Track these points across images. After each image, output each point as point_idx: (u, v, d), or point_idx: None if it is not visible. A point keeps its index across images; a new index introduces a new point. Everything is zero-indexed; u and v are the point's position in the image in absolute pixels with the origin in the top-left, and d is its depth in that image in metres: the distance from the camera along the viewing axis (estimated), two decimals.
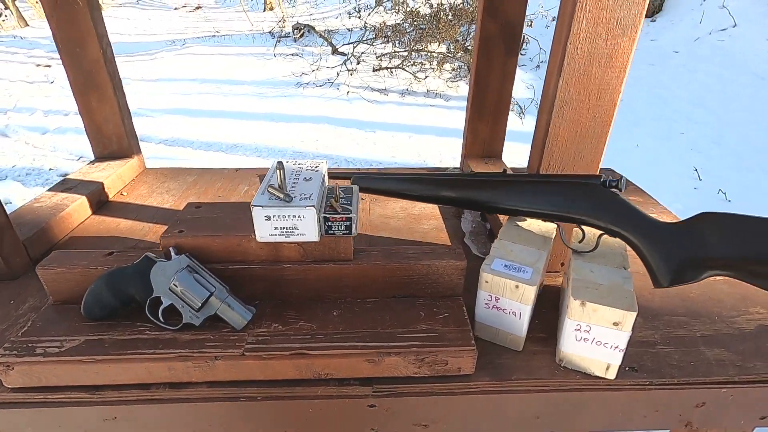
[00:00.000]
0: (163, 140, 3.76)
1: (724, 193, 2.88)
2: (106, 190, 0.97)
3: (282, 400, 0.55)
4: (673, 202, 2.85)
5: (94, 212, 0.93)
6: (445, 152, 3.58)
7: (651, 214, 0.56)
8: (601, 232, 0.58)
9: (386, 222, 0.91)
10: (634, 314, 0.50)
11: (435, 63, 4.87)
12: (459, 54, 4.87)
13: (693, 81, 4.14)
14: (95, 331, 0.55)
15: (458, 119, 4.11)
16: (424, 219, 0.93)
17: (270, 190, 0.54)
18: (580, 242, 0.62)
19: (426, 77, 4.76)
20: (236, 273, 0.59)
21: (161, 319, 0.55)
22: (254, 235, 0.55)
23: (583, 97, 0.60)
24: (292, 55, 5.65)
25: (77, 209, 0.88)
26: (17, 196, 2.92)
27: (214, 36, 6.75)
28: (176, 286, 0.54)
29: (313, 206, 0.53)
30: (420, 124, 4.05)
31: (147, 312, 0.55)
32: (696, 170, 3.20)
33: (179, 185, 1.06)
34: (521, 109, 4.03)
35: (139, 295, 0.55)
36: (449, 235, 0.88)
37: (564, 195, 0.59)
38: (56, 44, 0.94)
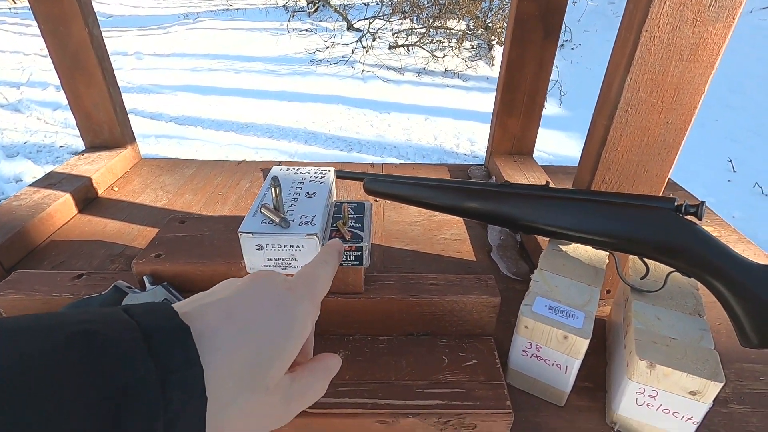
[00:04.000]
0: (174, 118, 3.68)
1: (761, 187, 2.70)
2: (94, 185, 0.88)
3: None
4: (706, 195, 2.67)
5: (81, 210, 0.84)
6: (462, 136, 3.43)
7: (738, 253, 0.45)
8: (671, 269, 0.47)
9: (402, 230, 0.81)
10: (720, 385, 0.39)
11: (454, 41, 4.65)
12: (479, 32, 4.63)
13: (731, 63, 3.86)
14: None
15: (476, 101, 3.93)
16: (444, 227, 0.82)
17: (263, 211, 0.44)
18: (642, 278, 0.51)
19: (444, 56, 4.55)
20: None
21: None
22: (244, 263, 0.46)
23: (655, 99, 0.48)
24: (306, 30, 5.46)
25: (60, 209, 0.79)
26: (28, 174, 2.89)
27: (227, 10, 6.57)
28: None
29: (315, 235, 0.42)
30: (437, 105, 3.88)
31: None
32: (731, 161, 3.00)
33: (175, 180, 0.96)
34: None
35: None
36: (474, 247, 0.77)
37: (626, 220, 0.47)
38: (37, 22, 0.84)
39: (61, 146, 3.35)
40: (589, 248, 0.55)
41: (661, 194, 0.54)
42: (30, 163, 3.02)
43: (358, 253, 0.45)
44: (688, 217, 0.46)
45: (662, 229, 0.46)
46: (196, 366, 0.19)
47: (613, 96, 0.49)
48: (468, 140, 3.36)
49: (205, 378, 0.19)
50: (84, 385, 0.15)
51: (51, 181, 0.85)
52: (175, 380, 0.18)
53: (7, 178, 2.81)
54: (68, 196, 0.81)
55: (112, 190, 0.92)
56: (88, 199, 0.87)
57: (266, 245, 0.43)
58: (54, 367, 0.15)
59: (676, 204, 0.47)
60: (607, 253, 0.55)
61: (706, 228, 0.47)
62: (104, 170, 0.91)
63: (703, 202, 0.46)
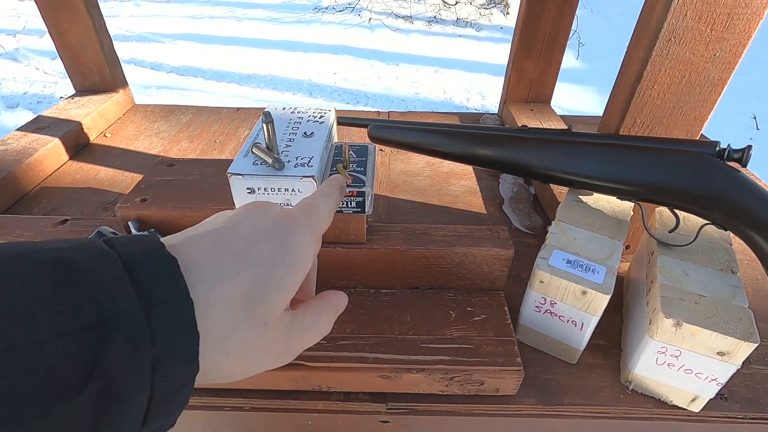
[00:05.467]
0: (175, 68, 3.56)
1: None
2: (85, 130, 0.84)
3: (274, 412, 0.44)
4: None
5: (72, 157, 0.80)
6: (473, 89, 3.29)
7: None
8: (705, 222, 0.43)
9: (409, 181, 0.76)
10: (754, 346, 0.36)
11: None
12: None
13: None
14: None
15: (489, 52, 3.75)
16: (454, 178, 0.78)
17: (255, 151, 0.40)
18: (670, 232, 0.46)
19: (456, 3, 4.30)
20: None
21: None
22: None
23: (704, 26, 0.41)
24: None
25: (50, 154, 0.75)
26: None
27: None
28: None
29: (312, 177, 0.38)
30: (447, 56, 3.71)
31: None
32: (755, 118, 2.86)
33: (171, 126, 0.91)
34: None
35: None
36: (484, 199, 0.73)
37: (659, 167, 0.43)
38: None
39: (61, 97, 3.27)
40: (612, 199, 0.51)
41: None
42: (31, 114, 2.97)
43: (360, 199, 0.41)
44: (732, 164, 0.41)
45: (700, 176, 0.41)
46: (184, 298, 0.18)
47: (654, 23, 0.43)
48: (479, 94, 3.23)
49: (195, 312, 0.18)
50: (56, 313, 0.14)
51: (39, 125, 0.81)
52: (161, 312, 0.17)
53: (8, 130, 2.77)
54: (57, 141, 0.77)
55: (105, 136, 0.88)
56: (79, 145, 0.83)
57: (258, 188, 0.39)
58: (20, 292, 0.14)
59: (717, 149, 0.41)
60: (632, 204, 0.50)
61: (752, 178, 0.42)
62: (95, 115, 0.86)
63: (749, 146, 0.40)
